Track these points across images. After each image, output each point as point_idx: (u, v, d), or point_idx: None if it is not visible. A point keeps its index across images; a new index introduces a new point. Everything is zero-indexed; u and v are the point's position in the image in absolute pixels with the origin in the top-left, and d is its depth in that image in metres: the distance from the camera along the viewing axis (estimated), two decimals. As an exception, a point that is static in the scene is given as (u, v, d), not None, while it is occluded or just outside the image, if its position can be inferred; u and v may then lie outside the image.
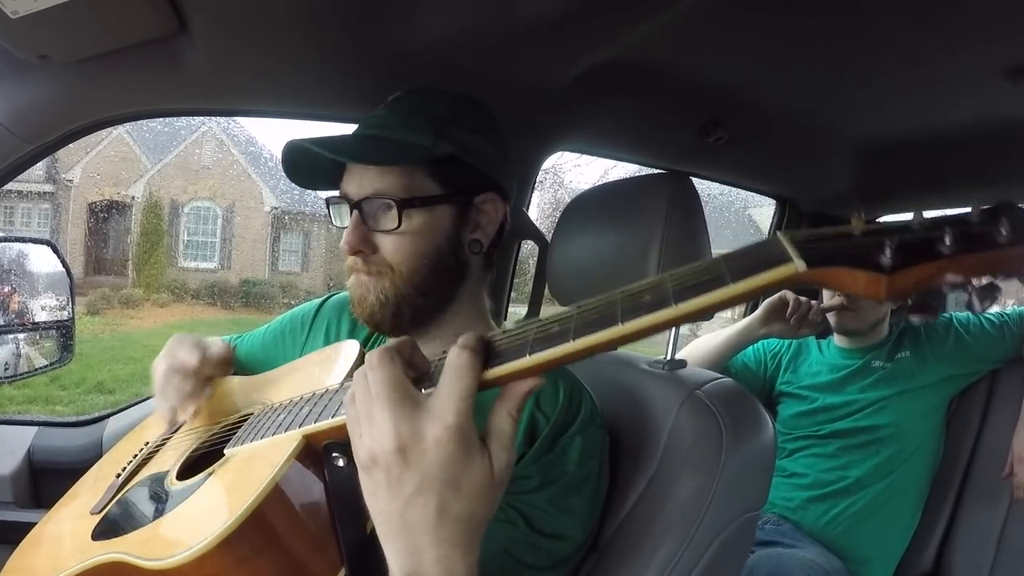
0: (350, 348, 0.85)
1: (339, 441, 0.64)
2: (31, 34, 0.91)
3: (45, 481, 1.38)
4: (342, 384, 0.69)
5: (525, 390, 0.52)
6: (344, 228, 0.93)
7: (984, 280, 0.44)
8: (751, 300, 0.46)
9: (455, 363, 0.51)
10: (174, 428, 0.98)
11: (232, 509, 0.59)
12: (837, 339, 1.88)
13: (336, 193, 0.96)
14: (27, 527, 0.93)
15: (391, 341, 0.56)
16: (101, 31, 0.94)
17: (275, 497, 0.61)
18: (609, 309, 0.49)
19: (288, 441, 0.66)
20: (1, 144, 1.06)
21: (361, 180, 0.92)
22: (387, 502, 0.52)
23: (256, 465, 0.65)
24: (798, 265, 0.44)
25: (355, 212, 0.91)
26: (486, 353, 0.52)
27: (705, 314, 0.47)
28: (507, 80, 1.22)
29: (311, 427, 0.65)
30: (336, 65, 1.15)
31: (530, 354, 0.50)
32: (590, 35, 1.13)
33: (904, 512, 1.74)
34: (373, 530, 0.68)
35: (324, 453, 0.65)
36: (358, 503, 0.64)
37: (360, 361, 0.81)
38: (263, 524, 0.60)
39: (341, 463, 0.64)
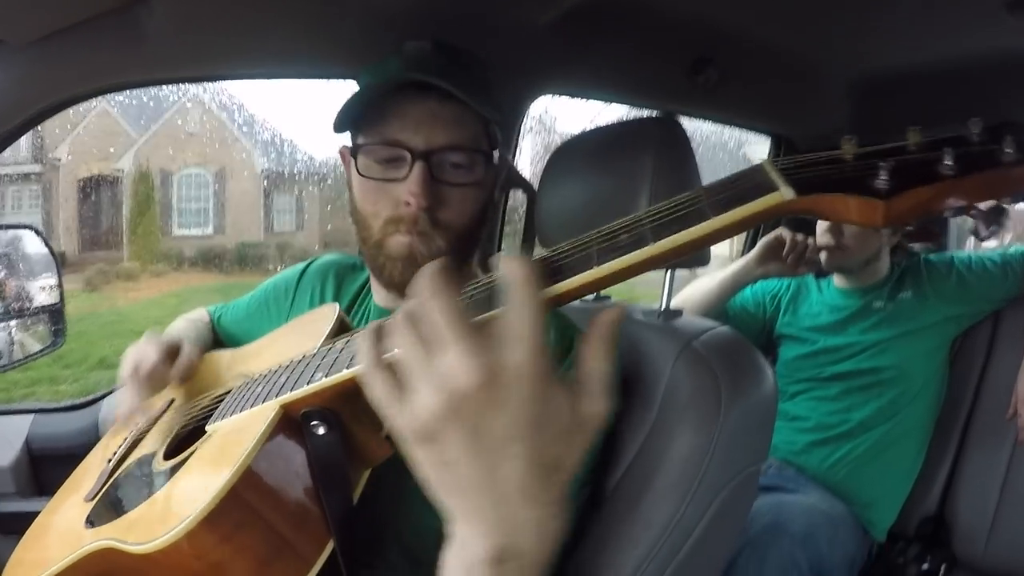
0: (327, 312, 0.83)
1: (318, 408, 0.62)
2: None
3: (45, 468, 1.39)
4: (318, 349, 0.67)
5: (611, 319, 0.46)
6: (371, 178, 0.89)
7: (989, 203, 0.42)
8: (737, 233, 0.44)
9: (519, 280, 0.43)
10: (163, 408, 0.97)
11: (212, 486, 0.58)
12: (836, 279, 1.85)
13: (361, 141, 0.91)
14: (31, 516, 0.92)
15: (429, 267, 0.45)
16: (54, 8, 0.91)
17: (254, 471, 0.60)
18: (583, 251, 0.46)
19: (265, 412, 0.64)
20: None
21: (432, 130, 0.87)
22: (469, 464, 0.43)
23: (235, 440, 0.64)
24: (785, 193, 0.41)
25: (421, 164, 0.86)
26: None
27: (687, 251, 0.44)
28: (487, 23, 1.19)
29: (287, 396, 0.63)
30: (303, 20, 1.11)
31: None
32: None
33: (908, 454, 1.73)
34: (361, 498, 0.66)
35: (303, 421, 0.63)
36: (342, 471, 0.64)
37: (339, 324, 0.79)
38: (244, 499, 0.59)
39: (321, 431, 0.62)
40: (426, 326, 0.43)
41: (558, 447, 0.44)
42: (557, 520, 0.46)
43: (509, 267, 0.43)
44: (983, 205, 0.39)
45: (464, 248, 0.92)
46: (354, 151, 0.91)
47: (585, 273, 0.45)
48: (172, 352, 0.94)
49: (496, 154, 0.96)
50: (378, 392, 0.45)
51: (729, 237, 0.45)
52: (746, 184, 0.43)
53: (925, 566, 1.66)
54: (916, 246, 1.75)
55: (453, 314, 0.42)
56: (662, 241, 0.43)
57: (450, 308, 0.43)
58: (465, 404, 0.42)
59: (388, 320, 0.47)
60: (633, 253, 0.44)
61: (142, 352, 0.93)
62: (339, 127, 0.91)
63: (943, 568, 1.66)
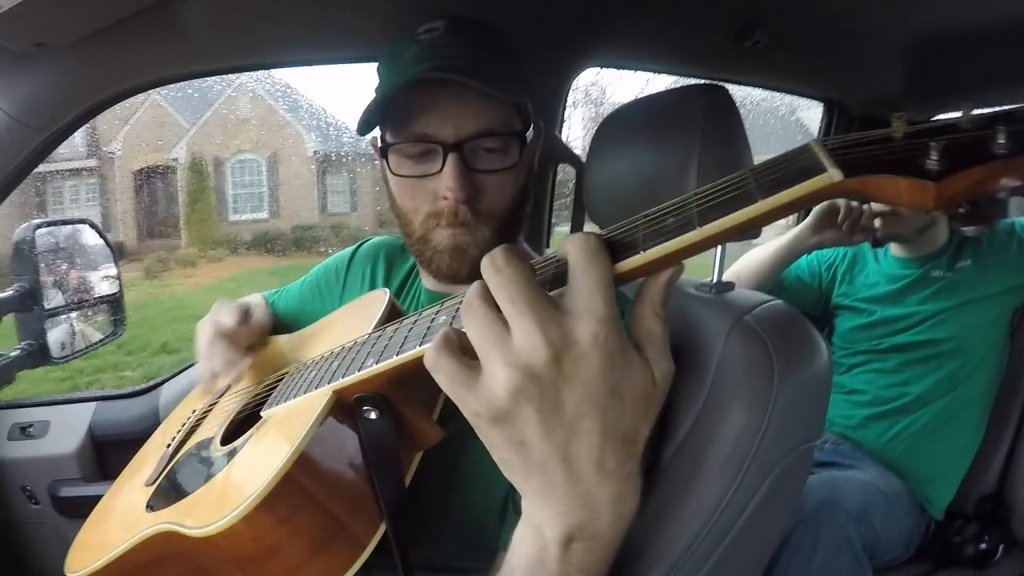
0: (378, 297, 0.84)
1: (369, 394, 0.63)
2: (23, 24, 0.89)
3: (108, 454, 1.46)
4: (369, 335, 0.68)
5: (665, 280, 0.46)
6: (405, 176, 0.88)
7: None
8: (784, 216, 0.43)
9: (585, 251, 0.43)
10: (219, 393, 0.99)
11: (268, 470, 0.59)
12: (893, 248, 1.79)
13: (390, 140, 0.89)
14: (96, 500, 0.96)
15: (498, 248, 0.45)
16: (93, 9, 0.92)
17: (309, 455, 0.61)
18: (629, 235, 0.46)
19: (319, 398, 0.65)
20: (16, 137, 1.06)
21: (460, 119, 0.84)
22: (543, 442, 0.43)
23: (289, 425, 0.66)
24: (833, 175, 0.40)
25: (454, 156, 0.84)
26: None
27: (734, 234, 0.43)
28: None
29: (339, 382, 0.64)
30: (336, 3, 1.10)
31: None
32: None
33: (967, 429, 1.68)
34: (413, 481, 0.67)
35: (355, 407, 0.64)
36: (394, 455, 0.65)
37: (390, 309, 0.80)
38: (299, 483, 0.60)
39: (373, 416, 0.63)
40: (499, 299, 0.43)
41: (630, 418, 0.44)
42: (633, 498, 0.46)
43: (576, 241, 0.43)
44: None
45: (509, 231, 0.91)
46: (384, 150, 0.89)
47: (631, 259, 0.45)
48: (244, 314, 0.96)
49: (531, 131, 0.93)
50: (448, 378, 0.44)
51: (777, 219, 0.44)
52: (793, 165, 0.42)
53: (983, 545, 1.60)
54: (968, 230, 1.67)
55: (525, 282, 0.42)
56: (709, 225, 0.43)
57: (522, 277, 0.43)
58: (538, 379, 0.42)
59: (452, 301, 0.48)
60: (680, 238, 0.43)
61: (217, 315, 0.95)
62: (363, 130, 0.89)
63: (1001, 548, 1.61)
